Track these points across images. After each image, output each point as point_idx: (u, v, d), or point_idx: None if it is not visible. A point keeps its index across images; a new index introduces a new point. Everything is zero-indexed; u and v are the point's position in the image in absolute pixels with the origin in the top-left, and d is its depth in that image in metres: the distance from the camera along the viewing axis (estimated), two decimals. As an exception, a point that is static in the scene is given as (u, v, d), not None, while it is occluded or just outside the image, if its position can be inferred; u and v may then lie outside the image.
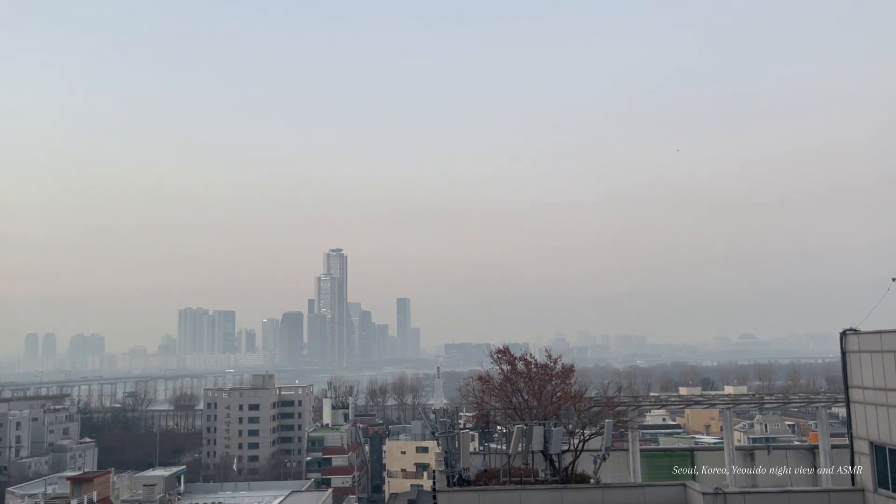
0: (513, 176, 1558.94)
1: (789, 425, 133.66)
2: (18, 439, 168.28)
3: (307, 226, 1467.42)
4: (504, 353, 38.22)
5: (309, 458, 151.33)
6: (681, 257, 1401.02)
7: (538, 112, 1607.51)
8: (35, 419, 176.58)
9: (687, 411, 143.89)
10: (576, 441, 35.51)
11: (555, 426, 31.25)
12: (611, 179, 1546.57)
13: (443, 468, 32.65)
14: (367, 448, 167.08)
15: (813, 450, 41.26)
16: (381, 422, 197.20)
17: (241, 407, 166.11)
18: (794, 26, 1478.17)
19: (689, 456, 42.15)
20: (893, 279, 29.15)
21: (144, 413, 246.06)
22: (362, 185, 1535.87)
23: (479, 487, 30.80)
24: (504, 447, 34.46)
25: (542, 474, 31.75)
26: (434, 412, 39.53)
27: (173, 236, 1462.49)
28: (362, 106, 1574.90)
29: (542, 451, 31.58)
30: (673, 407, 71.19)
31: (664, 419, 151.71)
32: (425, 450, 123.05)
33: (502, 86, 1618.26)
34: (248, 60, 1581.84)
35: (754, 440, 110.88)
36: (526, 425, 30.90)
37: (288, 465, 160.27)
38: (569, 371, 38.49)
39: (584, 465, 33.77)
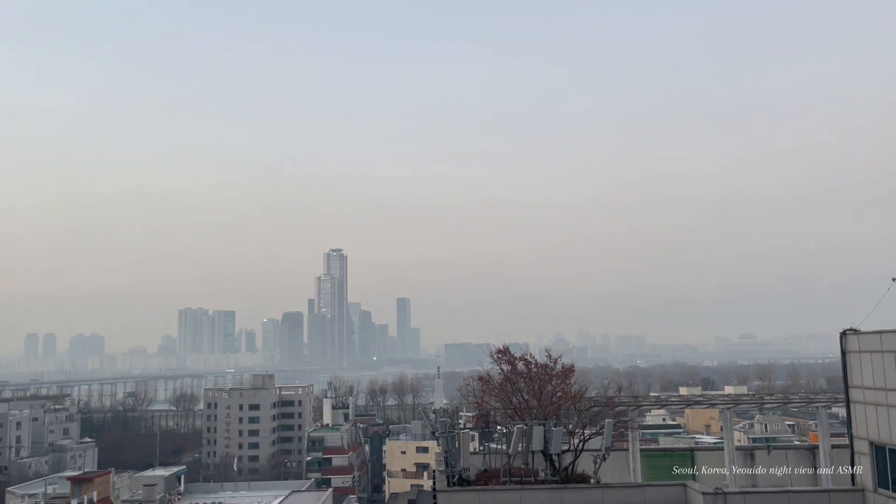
0: (513, 176, 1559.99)
1: (789, 425, 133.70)
2: (18, 439, 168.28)
3: (307, 226, 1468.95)
4: (504, 353, 38.22)
5: (309, 458, 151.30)
6: (681, 257, 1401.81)
7: (539, 112, 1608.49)
8: (35, 419, 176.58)
9: (687, 411, 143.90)
10: (576, 441, 35.52)
11: (555, 426, 31.27)
12: (611, 179, 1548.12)
13: (443, 468, 32.65)
14: (367, 448, 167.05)
15: (813, 450, 41.26)
16: (381, 422, 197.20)
17: (241, 407, 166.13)
18: (793, 26, 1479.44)
19: (689, 456, 42.15)
20: (893, 279, 29.16)
21: (144, 413, 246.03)
22: (362, 185, 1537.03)
23: (479, 487, 30.80)
24: (504, 447, 34.47)
25: (542, 474, 31.76)
26: (434, 412, 39.53)
27: (173, 236, 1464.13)
28: (362, 106, 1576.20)
29: (542, 451, 31.58)
30: (673, 407, 71.21)
31: (664, 419, 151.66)
32: (425, 450, 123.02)
33: (503, 86, 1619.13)
34: (248, 61, 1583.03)
35: (754, 440, 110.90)
36: (526, 425, 30.90)
37: (288, 465, 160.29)
38: (569, 371, 38.50)
39: (584, 465, 33.77)
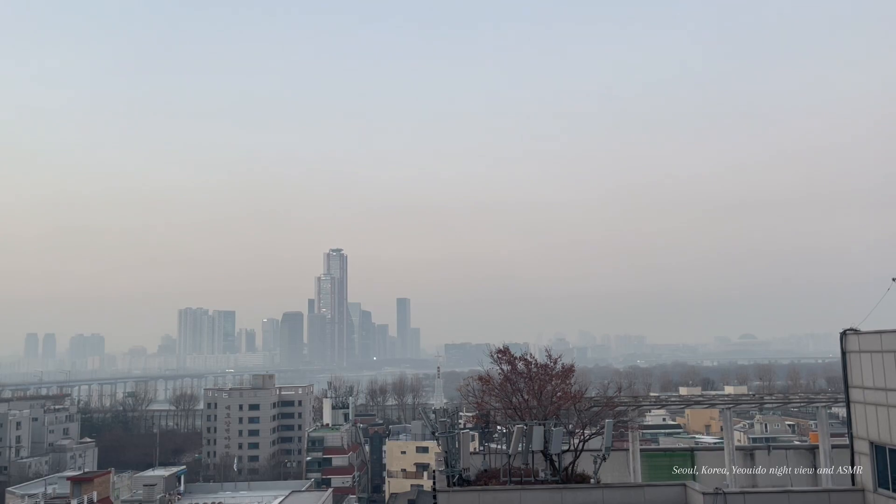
0: (513, 176, 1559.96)
1: (789, 425, 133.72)
2: (18, 439, 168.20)
3: (307, 226, 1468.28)
4: (504, 353, 38.19)
5: (309, 458, 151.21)
6: (681, 257, 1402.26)
7: (539, 112, 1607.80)
8: (35, 419, 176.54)
9: (687, 411, 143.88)
10: (576, 441, 35.51)
11: (555, 426, 31.26)
12: (611, 179, 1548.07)
13: (443, 468, 32.65)
14: (367, 448, 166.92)
15: (813, 450, 41.22)
16: (381, 422, 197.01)
17: (241, 407, 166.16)
18: (793, 27, 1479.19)
19: (689, 456, 42.11)
20: (893, 279, 29.15)
21: (144, 413, 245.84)
22: (363, 185, 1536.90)
23: (479, 487, 30.79)
24: (504, 447, 34.46)
25: (542, 474, 31.75)
26: (434, 412, 39.47)
27: (173, 236, 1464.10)
28: (363, 106, 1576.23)
29: (542, 451, 31.57)
30: (673, 407, 71.16)
31: (664, 419, 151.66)
32: (425, 450, 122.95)
33: (503, 86, 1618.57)
34: (248, 62, 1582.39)
35: (754, 440, 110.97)
36: (526, 425, 30.88)
37: (288, 465, 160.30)
38: (569, 371, 38.47)
39: (585, 465, 33.75)
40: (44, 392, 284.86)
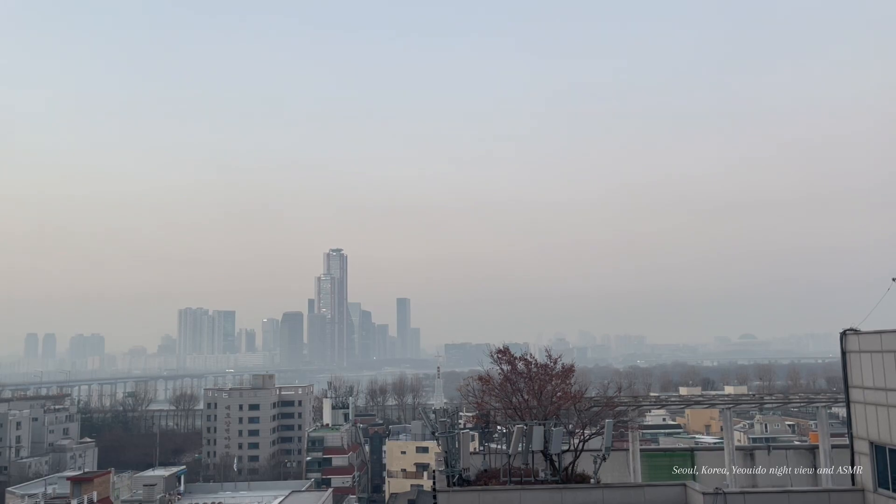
0: (514, 176, 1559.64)
1: (789, 425, 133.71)
2: (18, 439, 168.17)
3: (307, 226, 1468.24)
4: (504, 353, 38.16)
5: (309, 458, 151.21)
6: (681, 257, 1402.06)
7: (539, 112, 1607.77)
8: (35, 419, 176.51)
9: (687, 411, 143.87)
10: (576, 441, 35.50)
11: (555, 426, 31.25)
12: (611, 179, 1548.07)
13: (443, 468, 32.66)
14: (367, 448, 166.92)
15: (813, 450, 41.22)
16: (381, 422, 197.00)
17: (241, 407, 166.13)
18: (793, 27, 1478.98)
19: (689, 456, 42.10)
20: (893, 279, 29.14)
21: (144, 413, 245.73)
22: (363, 186, 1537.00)
23: (479, 487, 30.79)
24: (504, 447, 34.45)
25: (542, 474, 31.75)
26: (434, 412, 39.47)
27: (173, 236, 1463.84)
28: (362, 107, 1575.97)
29: (542, 451, 31.57)
30: (673, 407, 71.16)
31: (664, 419, 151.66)
32: (425, 450, 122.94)
33: (504, 86, 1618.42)
34: (248, 62, 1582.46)
35: (754, 440, 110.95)
36: (526, 425, 30.87)
37: (288, 465, 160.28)
38: (569, 371, 38.45)
39: (584, 465, 33.75)
40: (44, 392, 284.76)
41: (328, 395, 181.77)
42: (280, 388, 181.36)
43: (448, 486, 31.07)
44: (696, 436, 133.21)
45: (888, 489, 25.97)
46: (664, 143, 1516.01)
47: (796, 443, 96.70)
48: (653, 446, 78.36)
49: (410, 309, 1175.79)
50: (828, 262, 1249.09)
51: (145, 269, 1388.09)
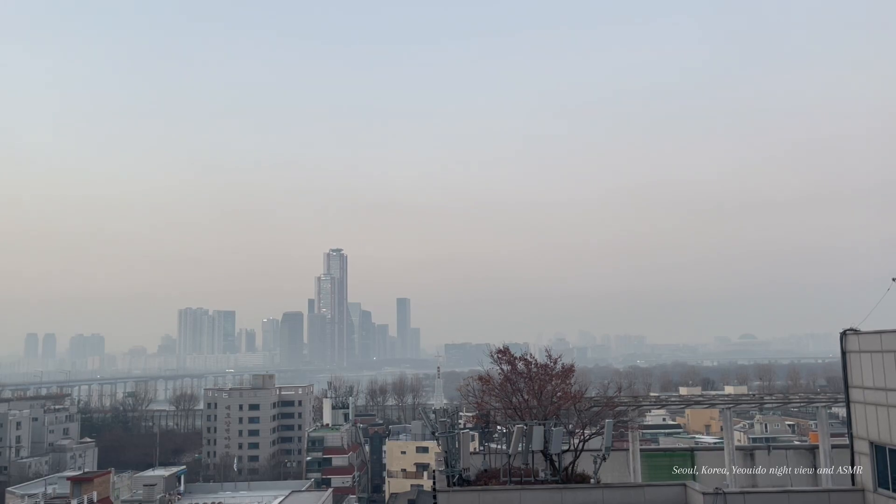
0: (513, 176, 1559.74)
1: (789, 425, 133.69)
2: (18, 439, 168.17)
3: (307, 226, 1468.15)
4: (504, 353, 38.15)
5: (309, 458, 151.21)
6: (681, 257, 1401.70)
7: (540, 112, 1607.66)
8: (35, 419, 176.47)
9: (687, 411, 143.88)
10: (576, 441, 35.49)
11: (555, 426, 31.24)
12: (611, 179, 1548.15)
13: (443, 468, 32.65)
14: (367, 448, 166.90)
15: (813, 450, 41.21)
16: (381, 422, 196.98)
17: (241, 407, 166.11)
18: (793, 28, 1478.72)
19: (689, 456, 42.10)
20: (893, 279, 29.14)
21: (144, 413, 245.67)
22: (363, 186, 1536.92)
23: (479, 487, 30.78)
24: (504, 447, 34.44)
25: (542, 474, 31.73)
26: (434, 412, 39.45)
27: (173, 237, 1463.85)
28: (362, 107, 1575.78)
29: (542, 451, 31.56)
30: (673, 407, 71.12)
31: (664, 419, 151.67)
32: (425, 450, 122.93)
33: (503, 86, 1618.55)
34: (248, 62, 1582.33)
35: (754, 440, 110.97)
36: (526, 425, 30.87)
37: (288, 465, 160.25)
38: (569, 371, 38.44)
39: (585, 465, 33.74)
40: (44, 392, 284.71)
41: (328, 395, 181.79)
42: (280, 388, 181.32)
43: (448, 486, 31.06)
44: (696, 436, 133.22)
45: (888, 489, 25.96)
46: (664, 143, 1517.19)
47: (796, 443, 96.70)
48: (653, 446, 78.33)
49: (410, 309, 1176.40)
50: (828, 262, 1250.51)
51: (145, 269, 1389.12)
